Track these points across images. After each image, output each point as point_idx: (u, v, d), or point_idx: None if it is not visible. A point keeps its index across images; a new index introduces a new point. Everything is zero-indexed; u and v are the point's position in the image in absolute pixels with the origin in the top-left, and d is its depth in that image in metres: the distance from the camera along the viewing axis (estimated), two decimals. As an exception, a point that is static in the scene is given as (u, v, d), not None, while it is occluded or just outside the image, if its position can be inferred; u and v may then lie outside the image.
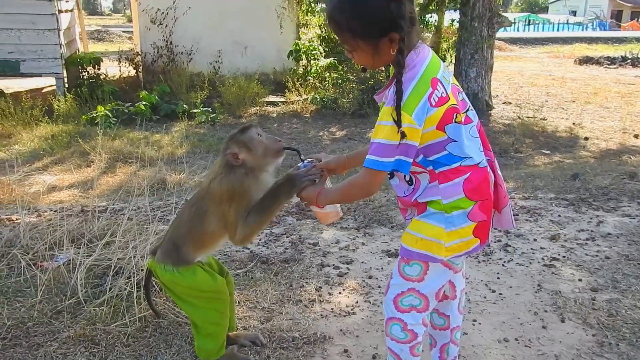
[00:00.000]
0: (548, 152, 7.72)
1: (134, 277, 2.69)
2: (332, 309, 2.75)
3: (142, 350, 2.34)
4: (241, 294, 2.83)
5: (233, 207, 1.97)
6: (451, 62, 10.82)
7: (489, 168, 1.81)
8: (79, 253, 2.98)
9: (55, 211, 4.14)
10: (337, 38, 1.76)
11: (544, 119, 9.58)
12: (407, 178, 1.79)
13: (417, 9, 11.01)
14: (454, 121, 1.69)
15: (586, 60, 19.04)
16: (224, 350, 2.23)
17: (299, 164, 2.04)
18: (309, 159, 2.05)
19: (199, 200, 2.10)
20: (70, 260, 2.97)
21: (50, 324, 2.49)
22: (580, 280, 3.04)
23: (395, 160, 1.63)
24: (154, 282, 2.57)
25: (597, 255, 3.36)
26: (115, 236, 3.20)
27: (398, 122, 1.59)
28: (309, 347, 2.42)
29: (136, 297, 2.57)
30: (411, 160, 1.65)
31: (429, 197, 1.73)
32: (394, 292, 1.84)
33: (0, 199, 4.97)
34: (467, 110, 1.77)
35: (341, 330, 2.57)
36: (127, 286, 2.66)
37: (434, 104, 1.64)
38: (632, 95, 12.05)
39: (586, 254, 3.38)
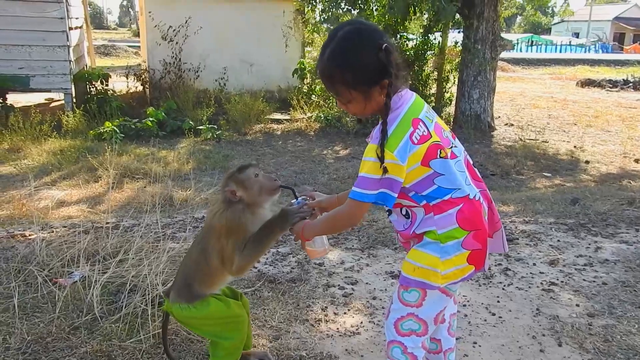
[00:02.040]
0: (549, 175, 7.83)
1: (148, 294, 2.80)
2: (337, 329, 2.85)
3: (156, 367, 2.44)
4: (250, 313, 2.92)
5: (231, 240, 2.11)
6: (454, 83, 10.98)
7: (482, 199, 1.93)
8: (93, 270, 3.09)
9: (67, 227, 4.25)
10: (330, 91, 1.90)
11: (545, 142, 9.71)
12: (404, 212, 1.93)
13: (422, 30, 11.25)
14: (438, 156, 1.83)
15: (588, 83, 19.25)
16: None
17: (292, 201, 2.20)
18: (303, 197, 2.22)
19: (204, 237, 2.24)
20: (85, 277, 3.09)
21: (68, 340, 2.59)
22: (577, 305, 3.13)
23: (378, 193, 1.78)
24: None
25: (594, 281, 3.45)
26: (129, 254, 3.31)
27: (381, 159, 1.75)
28: (315, 366, 2.51)
29: (150, 314, 2.68)
30: (396, 195, 1.80)
31: (425, 228, 1.87)
32: (394, 317, 1.97)
33: (12, 214, 5.08)
34: (452, 146, 1.92)
35: (346, 350, 2.66)
36: (142, 303, 2.76)
37: (416, 141, 1.79)
38: (634, 119, 12.19)
39: (584, 280, 3.48)
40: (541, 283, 3.42)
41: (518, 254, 3.87)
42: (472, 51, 10.00)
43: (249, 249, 2.09)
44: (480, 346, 2.72)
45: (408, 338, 1.94)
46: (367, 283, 3.39)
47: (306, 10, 12.19)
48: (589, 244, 4.06)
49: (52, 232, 4.09)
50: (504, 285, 3.38)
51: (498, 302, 3.18)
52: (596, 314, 3.03)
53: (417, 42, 11.17)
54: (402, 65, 1.84)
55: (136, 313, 2.73)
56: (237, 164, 7.77)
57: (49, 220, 4.70)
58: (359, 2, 11.06)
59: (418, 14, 11.12)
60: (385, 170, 1.75)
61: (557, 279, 3.47)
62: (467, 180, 1.91)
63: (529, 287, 3.37)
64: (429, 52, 11.15)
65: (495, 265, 3.66)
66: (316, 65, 1.91)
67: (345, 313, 3.02)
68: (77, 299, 2.89)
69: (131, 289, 2.91)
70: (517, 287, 3.36)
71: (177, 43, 11.25)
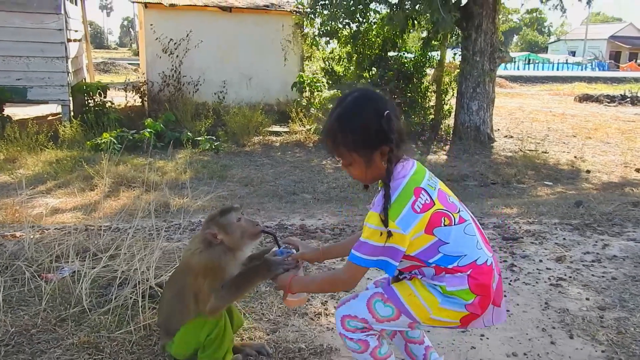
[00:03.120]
0: (550, 183, 7.74)
1: (139, 286, 2.68)
2: (338, 322, 2.72)
3: (146, 358, 2.31)
4: (247, 306, 2.81)
5: (208, 280, 2.05)
6: (453, 95, 10.95)
7: (494, 265, 1.87)
8: (83, 265, 2.97)
9: (59, 229, 4.13)
10: (333, 153, 1.88)
11: (545, 152, 9.64)
12: (414, 273, 1.88)
13: (420, 43, 11.26)
14: (442, 224, 1.79)
15: (586, 98, 19.27)
16: (231, 356, 2.22)
17: (274, 249, 2.14)
18: (286, 245, 2.16)
19: (179, 276, 2.19)
20: (75, 272, 2.96)
21: (55, 332, 2.46)
22: (587, 299, 3.02)
23: (378, 260, 1.75)
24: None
25: (603, 276, 3.34)
26: (120, 250, 3.19)
27: (385, 222, 1.71)
28: (315, 358, 2.39)
29: (141, 306, 2.56)
30: (397, 263, 1.76)
31: (435, 282, 1.82)
32: (347, 312, 1.91)
33: (4, 220, 4.97)
34: (459, 210, 1.87)
35: (347, 343, 2.54)
36: (133, 295, 2.64)
37: (418, 210, 1.76)
38: (632, 131, 12.15)
39: (592, 275, 3.36)
40: (549, 278, 3.30)
41: (523, 251, 3.75)
42: (470, 63, 9.98)
43: (226, 292, 2.05)
44: (487, 338, 2.60)
45: (352, 333, 1.91)
46: (367, 278, 3.26)
47: (305, 24, 12.22)
48: (596, 242, 3.94)
49: (43, 232, 3.97)
50: (510, 281, 3.26)
51: (505, 296, 3.04)
52: (607, 307, 2.91)
53: (416, 55, 11.17)
54: (404, 135, 1.85)
55: (126, 305, 2.61)
56: (235, 173, 7.69)
57: (42, 225, 4.58)
58: (358, 15, 11.08)
59: (417, 27, 11.12)
60: (389, 235, 1.72)
61: (565, 275, 3.35)
62: (479, 244, 1.86)
63: (536, 282, 3.25)
64: (428, 66, 11.15)
65: (501, 262, 3.54)
66: (322, 128, 1.93)
67: (345, 308, 2.89)
68: (65, 292, 2.77)
69: (122, 282, 2.79)
70: (524, 282, 3.24)
71: (177, 56, 11.25)
